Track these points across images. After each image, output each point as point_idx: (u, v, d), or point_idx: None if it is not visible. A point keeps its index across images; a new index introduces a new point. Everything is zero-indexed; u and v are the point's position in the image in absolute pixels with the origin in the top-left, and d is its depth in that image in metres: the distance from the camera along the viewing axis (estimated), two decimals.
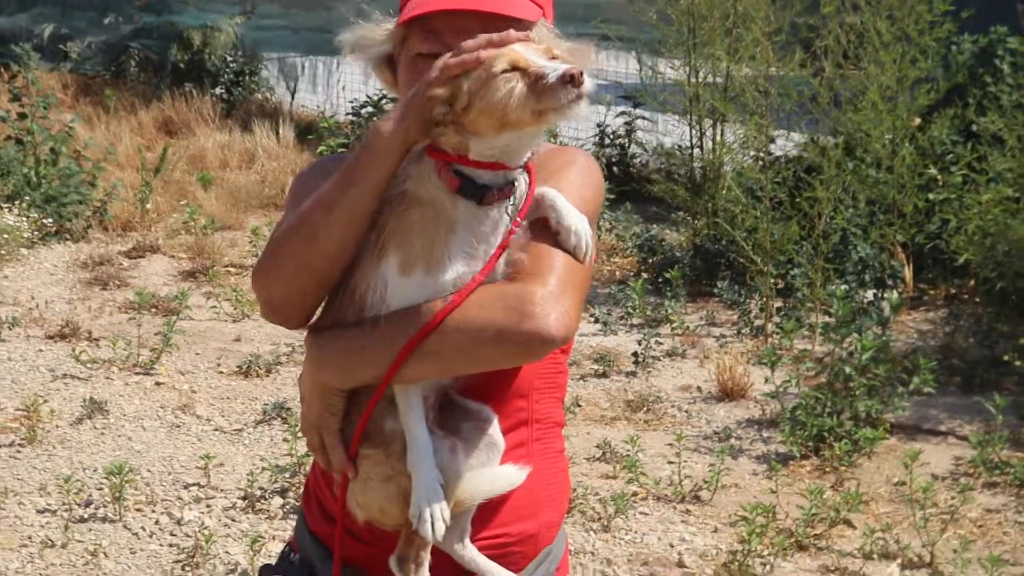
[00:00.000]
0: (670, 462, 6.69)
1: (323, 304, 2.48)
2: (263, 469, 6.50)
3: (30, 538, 5.89)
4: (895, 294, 8.66)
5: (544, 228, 2.40)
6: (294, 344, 8.33)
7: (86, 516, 6.14)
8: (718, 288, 9.35)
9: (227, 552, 5.85)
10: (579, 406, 7.51)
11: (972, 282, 9.28)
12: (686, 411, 7.67)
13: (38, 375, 7.85)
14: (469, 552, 2.51)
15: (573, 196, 2.44)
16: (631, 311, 9.22)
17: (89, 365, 7.95)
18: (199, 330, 8.73)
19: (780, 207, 9.20)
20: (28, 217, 10.36)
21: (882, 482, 6.68)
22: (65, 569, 5.67)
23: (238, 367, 8.06)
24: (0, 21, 16.52)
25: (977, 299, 9.09)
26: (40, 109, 11.07)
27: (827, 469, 6.79)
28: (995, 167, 8.80)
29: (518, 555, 2.59)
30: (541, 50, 2.29)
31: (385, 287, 2.35)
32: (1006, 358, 7.73)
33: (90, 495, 6.32)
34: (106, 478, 6.24)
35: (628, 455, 6.61)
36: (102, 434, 7.08)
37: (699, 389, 7.99)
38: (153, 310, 8.87)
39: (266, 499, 6.35)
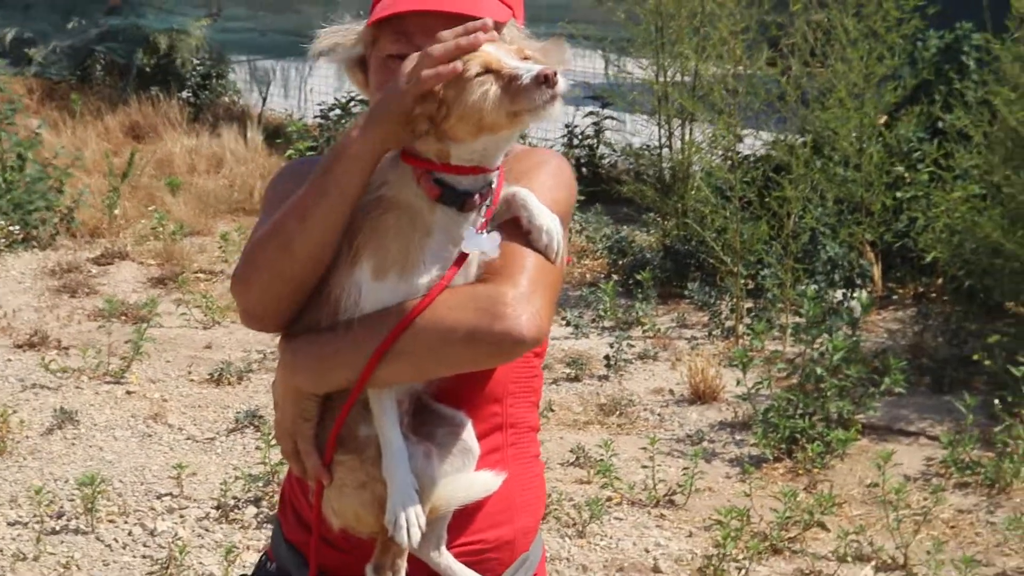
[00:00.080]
0: (644, 466, 6.70)
1: None
2: (236, 478, 6.47)
3: (1, 551, 5.85)
4: (864, 293, 8.69)
5: (516, 228, 2.40)
6: (265, 351, 8.31)
7: (58, 528, 6.10)
8: (688, 290, 9.36)
9: (201, 563, 5.82)
10: (552, 410, 7.51)
11: (940, 280, 9.33)
12: (659, 414, 7.68)
13: (7, 385, 7.80)
14: (445, 559, 2.51)
15: (545, 197, 2.45)
16: (602, 314, 9.23)
17: (59, 374, 7.90)
18: (169, 337, 8.69)
19: (749, 207, 9.22)
20: None
21: (855, 483, 6.71)
22: None
23: (209, 375, 8.02)
24: None
25: (945, 297, 9.14)
26: (7, 115, 10.98)
27: (800, 471, 6.82)
28: (961, 164, 8.85)
29: (494, 561, 2.60)
30: (512, 51, 2.29)
31: (359, 292, 2.35)
32: (975, 357, 7.76)
33: (62, 507, 6.28)
34: (78, 489, 6.20)
35: (602, 460, 6.62)
36: (73, 444, 7.04)
37: (671, 392, 8.00)
38: (123, 317, 8.81)
39: (240, 508, 6.32)
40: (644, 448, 6.79)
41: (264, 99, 15.72)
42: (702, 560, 5.82)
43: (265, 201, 2.71)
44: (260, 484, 6.43)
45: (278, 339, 2.49)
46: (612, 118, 13.03)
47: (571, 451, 6.95)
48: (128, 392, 7.78)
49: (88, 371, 7.97)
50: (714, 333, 8.96)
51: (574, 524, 6.18)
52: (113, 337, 8.17)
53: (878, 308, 9.16)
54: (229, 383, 7.94)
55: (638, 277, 9.34)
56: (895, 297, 9.57)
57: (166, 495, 6.46)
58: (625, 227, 11.11)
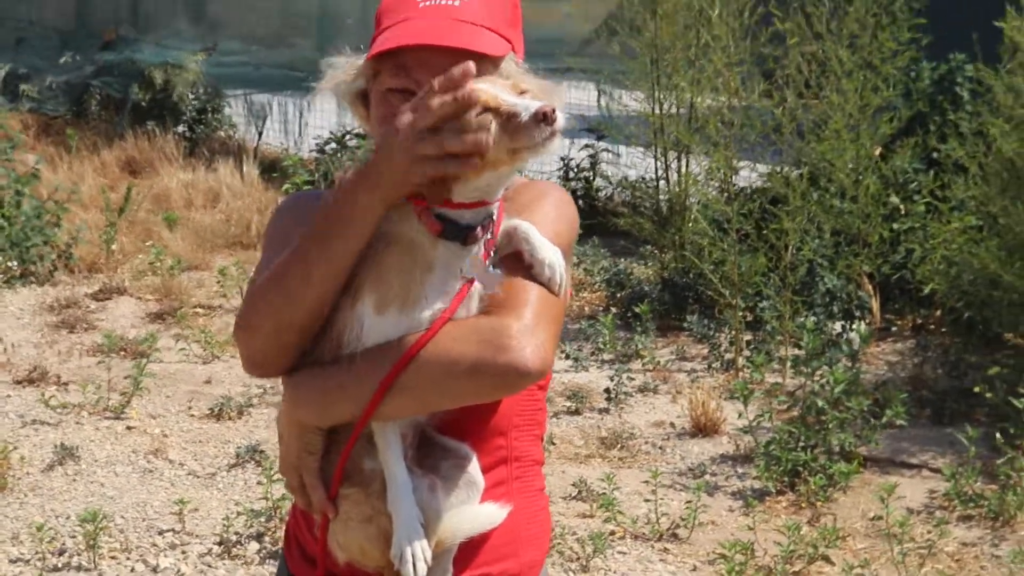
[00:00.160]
0: (647, 500, 6.69)
1: None
2: (238, 514, 6.45)
3: None
4: (863, 325, 8.70)
5: (518, 261, 2.41)
6: (266, 386, 8.29)
7: (60, 565, 6.08)
8: (687, 322, 9.37)
9: None
10: (553, 444, 7.51)
11: (939, 312, 9.35)
12: (660, 447, 7.68)
13: (7, 421, 7.77)
14: None
15: (546, 229, 2.46)
16: (602, 347, 9.23)
17: (59, 410, 7.88)
18: (169, 372, 8.67)
19: (747, 239, 9.24)
20: None
21: (858, 516, 6.70)
22: None
23: (210, 410, 8.00)
24: None
25: (944, 329, 9.15)
26: (5, 151, 10.98)
27: (803, 504, 6.81)
28: (957, 195, 8.87)
29: None
30: (509, 86, 2.30)
31: (362, 326, 2.36)
32: (976, 389, 7.77)
33: (64, 543, 6.26)
34: (80, 526, 6.19)
35: (604, 493, 6.62)
36: (74, 480, 7.02)
37: (672, 425, 8.00)
38: (122, 353, 8.79)
39: (242, 544, 6.30)
40: (647, 481, 6.78)
41: (260, 133, 15.73)
42: None
43: (266, 238, 2.72)
44: (262, 519, 6.41)
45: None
46: (608, 151, 13.05)
47: (573, 484, 6.94)
48: (128, 427, 7.76)
49: (88, 407, 7.95)
50: (714, 366, 8.97)
51: (577, 558, 6.17)
52: (113, 372, 8.15)
53: (877, 340, 9.17)
54: (230, 418, 7.93)
55: (637, 310, 9.35)
56: (894, 329, 9.58)
57: (168, 531, 6.44)
58: (623, 260, 11.11)
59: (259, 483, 6.77)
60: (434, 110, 2.22)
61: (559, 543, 6.23)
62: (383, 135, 2.31)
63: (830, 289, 9.05)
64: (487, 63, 2.46)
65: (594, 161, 13.11)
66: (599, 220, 11.60)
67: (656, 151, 11.01)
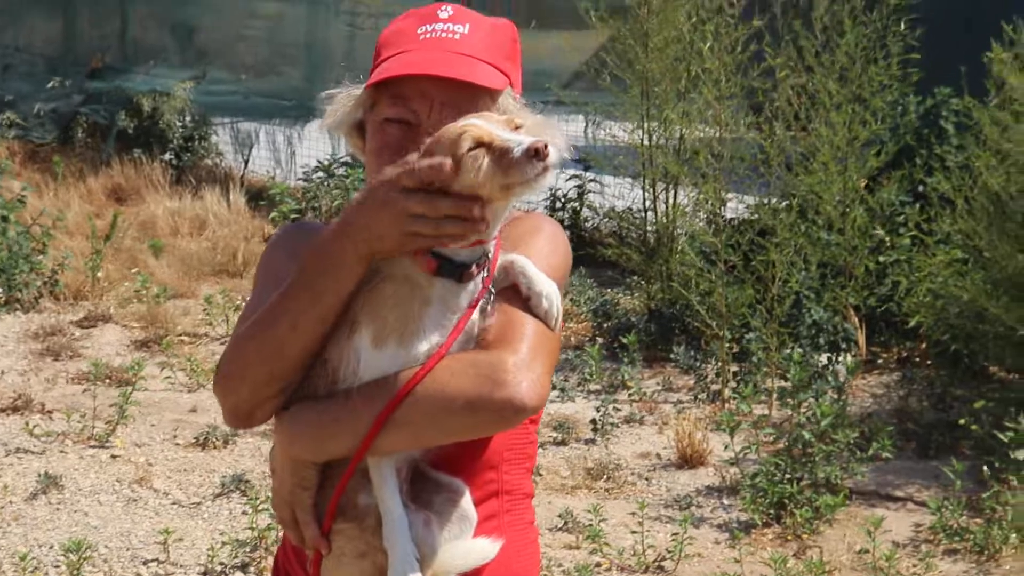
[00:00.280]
0: (633, 531, 6.67)
1: None
2: (223, 543, 6.43)
3: None
4: (849, 357, 8.72)
5: (514, 295, 2.42)
6: None
7: None
8: (674, 353, 9.37)
9: None
10: (540, 474, 7.49)
11: (924, 344, 9.36)
12: (646, 479, 7.67)
13: None
14: None
15: (541, 263, 2.47)
16: (588, 377, 9.23)
17: (43, 438, 7.84)
18: (154, 401, 8.64)
19: (733, 271, 9.26)
20: None
21: (844, 549, 6.69)
22: None
23: (195, 439, 7.97)
24: None
25: (930, 362, 9.16)
26: None
27: (789, 536, 6.80)
28: (943, 228, 8.90)
29: None
30: (503, 121, 2.31)
31: (358, 360, 2.36)
32: (961, 422, 7.78)
33: (47, 573, 6.23)
34: (63, 555, 6.16)
35: (591, 524, 6.60)
36: (57, 509, 6.98)
37: (658, 456, 7.99)
38: (107, 381, 8.76)
39: (227, 574, 6.28)
40: (633, 513, 6.77)
41: (246, 161, 15.74)
42: None
43: (259, 273, 2.73)
44: (247, 549, 6.38)
45: None
46: (595, 181, 13.08)
47: (559, 516, 6.92)
48: (113, 456, 7.73)
49: (72, 435, 7.92)
50: (700, 397, 8.96)
51: None
52: (98, 400, 8.12)
53: (862, 372, 9.18)
54: (215, 447, 7.90)
55: (623, 340, 9.34)
56: (879, 361, 9.59)
57: (152, 561, 6.41)
58: (609, 290, 11.13)
59: (244, 513, 6.75)
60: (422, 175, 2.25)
61: (545, 574, 6.21)
62: (371, 188, 2.31)
63: (816, 321, 9.06)
64: (485, 96, 2.49)
65: (581, 191, 13.14)
66: (586, 251, 11.62)
67: (644, 182, 11.03)
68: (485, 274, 2.39)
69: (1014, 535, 6.46)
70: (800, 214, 9.37)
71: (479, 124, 2.27)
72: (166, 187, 14.19)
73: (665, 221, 10.66)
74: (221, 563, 6.32)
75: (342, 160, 13.49)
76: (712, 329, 9.13)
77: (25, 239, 10.83)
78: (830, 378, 8.19)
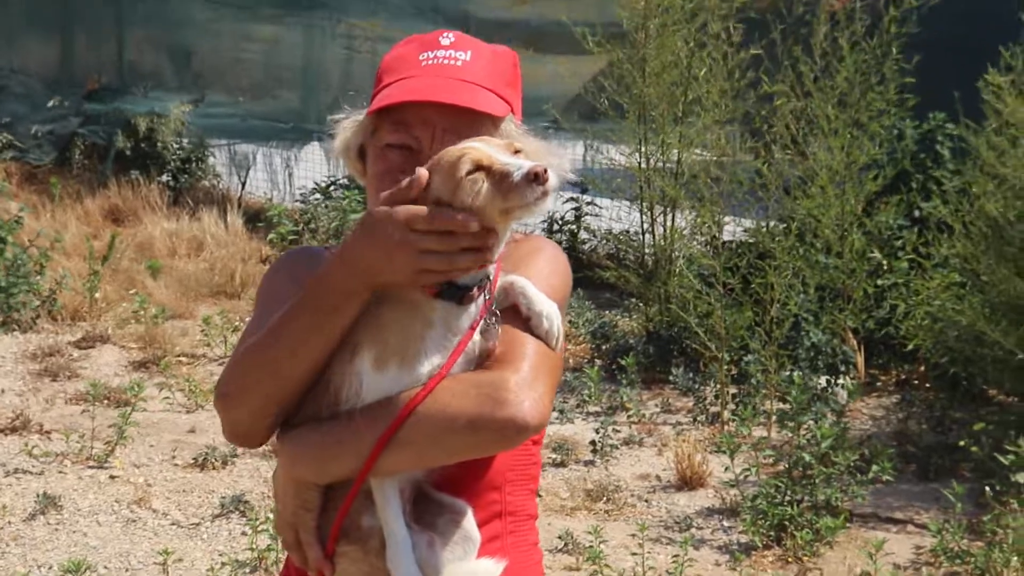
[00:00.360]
0: (633, 553, 6.66)
1: None
2: (223, 564, 6.41)
3: None
4: (848, 380, 8.72)
5: (515, 315, 2.42)
6: None
7: None
8: (673, 375, 9.38)
9: None
10: (540, 496, 7.43)
11: (923, 367, 9.38)
12: (646, 500, 7.66)
13: None
14: None
15: (541, 284, 2.47)
16: (587, 399, 9.23)
17: (42, 459, 7.83)
18: (152, 421, 8.62)
19: (732, 293, 9.28)
20: None
21: (845, 572, 6.67)
22: None
23: (193, 459, 7.96)
24: None
25: (928, 384, 9.18)
26: None
27: (789, 559, 6.80)
28: (941, 252, 8.92)
29: None
30: (503, 145, 2.31)
31: (360, 382, 2.35)
32: (961, 444, 7.78)
33: None
34: (62, 575, 6.14)
35: (591, 546, 6.58)
36: (56, 530, 6.96)
37: (658, 478, 7.99)
38: (105, 401, 8.74)
39: None
40: (633, 534, 6.77)
41: (243, 183, 15.76)
42: None
43: (260, 296, 2.74)
44: (247, 570, 6.37)
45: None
46: (593, 204, 13.11)
47: (559, 537, 6.91)
48: (112, 477, 7.71)
49: (71, 455, 7.91)
50: (699, 419, 8.97)
51: None
52: (96, 421, 8.10)
53: (861, 395, 9.18)
54: (214, 468, 7.88)
55: (622, 362, 9.35)
56: (878, 384, 9.60)
57: None
58: (607, 312, 11.14)
59: (244, 533, 6.74)
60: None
61: None
62: (379, 224, 2.29)
63: (815, 344, 9.08)
64: (487, 123, 2.50)
65: (578, 214, 13.17)
66: (584, 273, 11.63)
67: (642, 205, 11.06)
68: (486, 296, 2.39)
69: (1015, 558, 6.44)
70: (798, 237, 9.39)
71: (479, 147, 2.28)
72: (163, 208, 14.19)
73: (663, 244, 10.67)
74: None
75: (339, 182, 13.52)
76: (711, 351, 9.14)
77: (23, 260, 10.81)
78: (830, 401, 8.19)
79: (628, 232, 11.73)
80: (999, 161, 8.35)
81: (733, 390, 9.13)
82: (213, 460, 7.91)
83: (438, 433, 2.30)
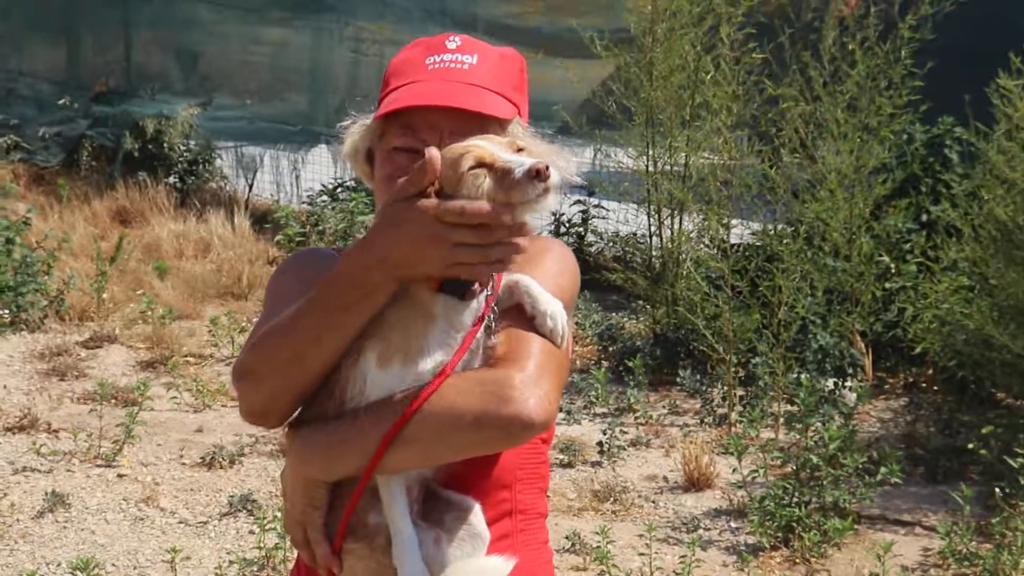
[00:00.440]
0: (641, 553, 6.65)
1: None
2: (231, 563, 6.41)
3: None
4: (856, 383, 8.72)
5: (520, 314, 2.42)
6: (257, 435, 8.27)
7: None
8: (680, 377, 9.39)
9: None
10: (547, 496, 7.46)
11: (930, 370, 9.37)
12: (653, 501, 7.66)
13: None
14: None
15: (549, 283, 2.47)
16: (594, 400, 9.23)
17: (50, 457, 7.84)
18: (160, 421, 8.63)
19: (739, 296, 9.28)
20: None
21: (852, 574, 6.67)
22: None
23: (201, 458, 7.97)
24: None
25: (936, 387, 9.17)
26: None
27: (797, 560, 6.79)
28: (949, 256, 8.91)
29: None
30: (505, 143, 2.32)
31: (364, 380, 2.36)
32: (970, 447, 7.77)
33: None
34: (71, 573, 6.14)
35: (598, 546, 6.57)
36: (64, 528, 6.98)
37: (665, 479, 7.98)
38: (113, 401, 8.75)
39: None
40: (640, 535, 6.77)
41: (250, 185, 15.78)
42: None
43: (268, 295, 2.73)
44: (255, 568, 6.37)
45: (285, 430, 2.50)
46: (600, 206, 13.11)
47: (567, 537, 6.91)
48: (120, 475, 7.72)
49: (79, 454, 7.92)
50: (706, 420, 8.96)
51: None
52: (104, 420, 8.11)
53: (869, 398, 9.17)
54: (221, 467, 7.89)
55: (629, 364, 9.34)
56: (886, 387, 9.59)
57: None
58: (614, 314, 11.14)
59: (251, 532, 6.74)
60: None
61: None
62: (404, 219, 2.27)
63: (823, 346, 9.07)
64: (495, 126, 2.51)
65: (585, 217, 13.17)
66: (591, 275, 11.62)
67: (649, 208, 11.05)
68: (488, 292, 2.39)
69: None
70: (807, 241, 9.38)
71: (481, 145, 2.28)
72: (171, 210, 14.22)
73: (670, 247, 10.66)
74: None
75: (347, 184, 13.53)
76: (718, 353, 9.14)
77: (31, 260, 10.83)
78: (840, 403, 8.18)
79: (635, 235, 11.73)
80: (1008, 165, 8.33)
81: (740, 392, 9.13)
82: (220, 459, 7.92)
83: (443, 430, 2.30)
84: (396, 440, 2.30)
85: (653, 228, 11.05)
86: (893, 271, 9.66)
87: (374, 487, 2.37)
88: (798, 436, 7.48)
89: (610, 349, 10.33)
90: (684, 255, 10.50)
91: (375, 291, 2.31)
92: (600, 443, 8.27)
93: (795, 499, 7.05)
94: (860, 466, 7.26)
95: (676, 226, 10.71)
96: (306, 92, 16.20)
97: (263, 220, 13.88)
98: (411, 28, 14.17)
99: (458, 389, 2.30)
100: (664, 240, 10.82)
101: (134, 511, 7.23)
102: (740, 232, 10.57)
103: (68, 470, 7.74)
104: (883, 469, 7.22)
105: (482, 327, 2.38)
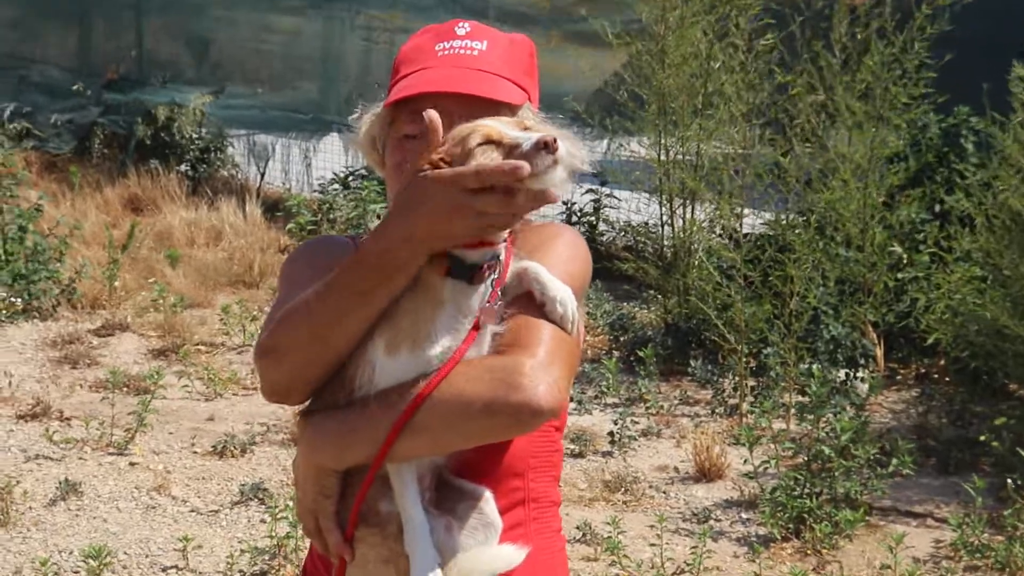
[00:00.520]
0: (652, 544, 6.65)
1: None
2: (242, 551, 6.42)
3: None
4: (868, 373, 8.70)
5: (530, 301, 2.41)
6: (268, 423, 8.28)
7: None
8: (691, 367, 9.38)
9: None
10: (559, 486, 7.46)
11: (943, 361, 9.34)
12: (664, 491, 7.65)
13: (9, 456, 7.75)
14: None
15: (559, 270, 2.46)
16: (605, 390, 9.22)
17: (62, 445, 7.86)
18: (171, 409, 8.64)
19: (751, 286, 9.26)
20: None
21: (864, 565, 6.66)
22: None
23: (212, 447, 7.97)
24: None
25: (948, 378, 9.15)
26: (9, 188, 11.01)
27: (808, 551, 6.78)
28: (962, 246, 8.88)
29: None
30: (513, 123, 2.32)
31: (373, 368, 2.36)
32: (982, 438, 7.76)
33: None
34: (83, 561, 6.15)
35: (609, 537, 6.57)
36: (77, 516, 6.99)
37: (676, 469, 7.98)
38: (124, 389, 8.76)
39: None
40: (651, 526, 6.77)
41: (262, 173, 15.79)
42: None
43: (283, 279, 2.73)
44: (266, 557, 6.38)
45: (289, 412, 2.50)
46: (612, 195, 13.09)
47: (577, 527, 6.91)
48: (131, 463, 7.73)
49: (91, 442, 7.93)
50: (717, 411, 8.95)
51: None
52: (116, 408, 8.12)
53: (881, 389, 9.15)
54: (233, 455, 7.89)
55: (640, 354, 9.33)
56: (898, 377, 9.58)
57: (171, 568, 6.41)
58: (625, 304, 11.13)
59: (263, 521, 6.74)
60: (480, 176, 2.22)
61: None
62: (424, 193, 2.26)
63: (834, 337, 9.06)
64: (505, 112, 2.49)
65: (597, 206, 13.15)
66: (603, 264, 11.59)
67: (661, 197, 11.04)
68: (495, 276, 2.39)
69: None
70: (819, 230, 9.36)
71: (489, 123, 2.29)
72: (182, 198, 14.24)
73: (682, 236, 10.64)
74: (240, 570, 6.32)
75: (358, 172, 13.53)
76: (730, 343, 9.12)
77: (43, 248, 10.85)
78: (852, 394, 8.16)
79: (647, 224, 11.72)
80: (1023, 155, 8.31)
81: (752, 383, 9.12)
82: (232, 448, 7.92)
83: (453, 418, 2.30)
84: (406, 428, 2.30)
85: (665, 217, 11.03)
86: (906, 261, 9.64)
87: (385, 475, 2.37)
88: (809, 427, 7.46)
89: (621, 339, 10.32)
90: (696, 245, 10.48)
91: (399, 270, 2.30)
92: (611, 433, 8.26)
93: (806, 490, 7.04)
94: (872, 457, 7.24)
95: (688, 215, 10.69)
96: (318, 80, 16.21)
97: (275, 208, 13.89)
98: (423, 16, 14.15)
99: (468, 376, 2.30)
100: (676, 229, 10.80)
101: (146, 499, 7.24)
102: (752, 221, 10.55)
103: (80, 458, 7.75)
104: (895, 460, 7.22)
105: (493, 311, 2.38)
